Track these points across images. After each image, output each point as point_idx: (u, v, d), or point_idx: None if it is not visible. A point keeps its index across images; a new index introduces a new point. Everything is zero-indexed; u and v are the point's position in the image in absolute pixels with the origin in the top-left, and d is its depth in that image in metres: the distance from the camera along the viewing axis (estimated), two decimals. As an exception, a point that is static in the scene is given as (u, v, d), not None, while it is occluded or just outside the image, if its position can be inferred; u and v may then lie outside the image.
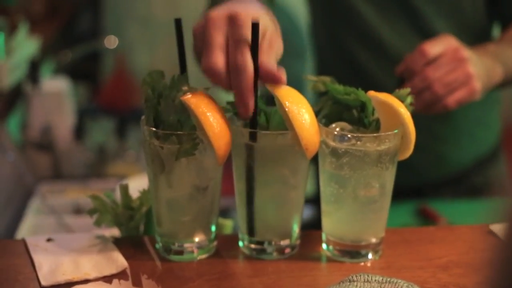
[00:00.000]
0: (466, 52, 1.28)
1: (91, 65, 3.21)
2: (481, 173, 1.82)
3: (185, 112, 1.00)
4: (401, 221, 1.78)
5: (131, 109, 2.75)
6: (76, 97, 2.50)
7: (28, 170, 1.90)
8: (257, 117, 1.01)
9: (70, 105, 2.25)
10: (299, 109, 0.99)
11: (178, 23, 1.05)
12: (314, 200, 1.75)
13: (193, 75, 1.07)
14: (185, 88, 1.00)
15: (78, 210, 1.81)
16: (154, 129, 1.00)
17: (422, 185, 1.81)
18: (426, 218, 1.82)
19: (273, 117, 1.04)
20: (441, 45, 1.28)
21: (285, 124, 1.02)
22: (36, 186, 1.88)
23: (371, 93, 1.03)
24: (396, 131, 1.02)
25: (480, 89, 1.31)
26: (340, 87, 1.04)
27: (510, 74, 1.43)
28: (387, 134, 1.02)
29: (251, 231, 1.06)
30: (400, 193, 1.81)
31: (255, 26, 0.96)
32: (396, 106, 1.01)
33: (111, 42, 2.99)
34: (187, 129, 1.00)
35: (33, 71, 2.14)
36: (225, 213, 1.42)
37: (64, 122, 2.17)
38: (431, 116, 1.69)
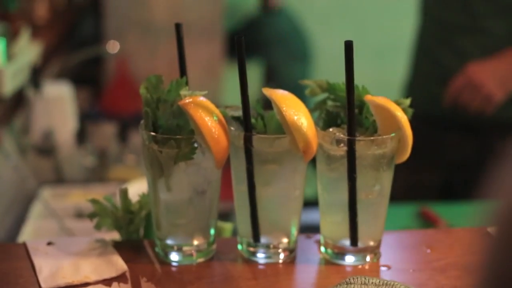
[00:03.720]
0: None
1: (92, 70, 3.22)
2: None
3: (184, 116, 1.01)
4: (401, 224, 1.79)
5: (133, 113, 2.76)
6: (78, 101, 2.51)
7: (30, 175, 1.91)
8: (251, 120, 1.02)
9: (72, 109, 2.26)
10: (296, 113, 1.00)
11: (178, 28, 1.07)
12: (313, 203, 1.76)
13: (192, 80, 1.08)
14: (183, 92, 1.01)
15: (79, 214, 1.81)
16: (153, 133, 1.01)
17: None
18: (426, 221, 1.83)
19: (270, 121, 1.05)
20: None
21: (282, 128, 1.03)
22: (38, 190, 1.89)
23: (368, 97, 1.03)
24: (393, 134, 1.03)
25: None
26: (342, 85, 1.05)
27: None
28: (384, 138, 1.03)
29: (256, 237, 1.06)
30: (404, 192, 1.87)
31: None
32: (393, 110, 1.02)
33: (112, 47, 3.00)
34: (185, 134, 1.01)
35: (35, 76, 2.15)
36: (224, 216, 1.43)
37: (66, 127, 2.18)
38: None
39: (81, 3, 3.47)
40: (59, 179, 2.08)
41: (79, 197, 1.90)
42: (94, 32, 3.39)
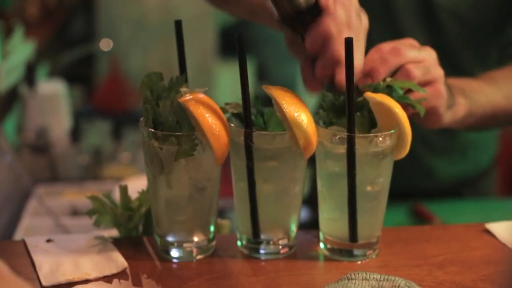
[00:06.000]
0: (442, 71, 1.17)
1: (85, 68, 3.22)
2: (470, 186, 1.84)
3: (184, 113, 1.01)
4: (395, 221, 1.80)
5: (126, 111, 2.76)
6: (71, 99, 2.50)
7: (24, 172, 1.90)
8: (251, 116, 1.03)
9: (66, 107, 2.26)
10: (296, 109, 1.00)
11: (178, 24, 1.06)
12: (309, 201, 1.76)
13: (191, 77, 1.08)
14: (184, 89, 1.01)
15: (74, 212, 1.81)
16: (153, 130, 1.01)
17: (413, 191, 1.82)
18: (420, 218, 1.84)
19: (270, 118, 1.06)
20: (421, 52, 1.16)
21: (282, 124, 1.03)
22: (33, 188, 1.88)
23: (368, 94, 1.04)
24: (392, 131, 1.03)
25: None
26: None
27: (480, 111, 1.30)
28: (383, 134, 1.03)
29: (256, 234, 1.07)
30: (393, 195, 1.83)
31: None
32: (392, 107, 1.03)
33: (105, 44, 3.00)
34: (186, 130, 1.01)
35: (29, 73, 2.15)
36: (221, 213, 1.43)
37: (60, 124, 2.18)
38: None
39: (72, 1, 3.46)
40: (53, 177, 2.08)
41: (74, 195, 1.89)
42: (86, 30, 3.38)
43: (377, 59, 1.10)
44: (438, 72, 1.15)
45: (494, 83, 1.36)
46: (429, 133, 1.73)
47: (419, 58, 1.13)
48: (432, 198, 1.82)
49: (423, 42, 1.63)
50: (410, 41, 1.16)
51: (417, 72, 1.11)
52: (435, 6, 1.58)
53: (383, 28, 1.61)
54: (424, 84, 1.13)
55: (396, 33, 1.56)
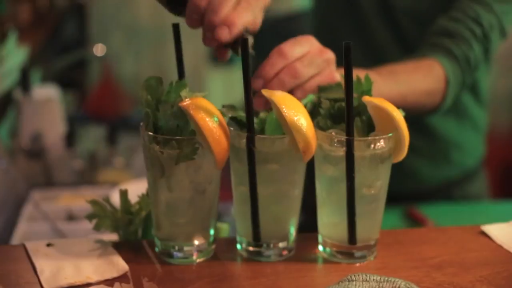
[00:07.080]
0: (332, 54, 1.16)
1: (78, 73, 3.22)
2: (458, 188, 1.86)
3: (184, 117, 1.02)
4: (389, 224, 1.81)
5: (120, 116, 2.76)
6: (64, 104, 2.51)
7: (20, 177, 1.90)
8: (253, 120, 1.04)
9: (60, 112, 2.26)
10: (296, 113, 1.01)
11: (176, 28, 1.06)
12: (303, 205, 1.77)
13: (190, 81, 1.09)
14: (184, 94, 1.02)
15: (70, 217, 1.81)
16: (154, 134, 1.02)
17: (400, 194, 1.83)
18: (414, 221, 1.85)
19: (268, 122, 1.07)
20: (304, 46, 1.14)
21: (280, 128, 1.04)
22: (29, 193, 1.89)
23: (366, 98, 1.05)
24: (390, 134, 1.05)
25: None
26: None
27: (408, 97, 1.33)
28: (381, 138, 1.04)
29: (256, 237, 1.08)
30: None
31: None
32: (390, 110, 1.04)
33: (98, 50, 3.00)
34: (186, 134, 1.02)
35: (24, 78, 2.15)
36: (219, 216, 1.44)
37: (54, 130, 2.18)
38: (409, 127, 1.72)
39: (64, 7, 3.46)
40: (48, 182, 2.08)
41: (69, 200, 1.89)
42: (78, 35, 3.38)
43: (267, 68, 1.11)
44: (327, 55, 1.14)
45: (394, 79, 1.35)
46: (411, 134, 1.75)
47: (304, 52, 1.13)
48: (421, 200, 1.83)
49: (389, 40, 1.69)
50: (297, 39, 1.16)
51: (304, 70, 1.12)
52: (394, 9, 1.64)
53: (351, 27, 1.65)
54: (317, 74, 1.13)
55: (364, 32, 1.61)
